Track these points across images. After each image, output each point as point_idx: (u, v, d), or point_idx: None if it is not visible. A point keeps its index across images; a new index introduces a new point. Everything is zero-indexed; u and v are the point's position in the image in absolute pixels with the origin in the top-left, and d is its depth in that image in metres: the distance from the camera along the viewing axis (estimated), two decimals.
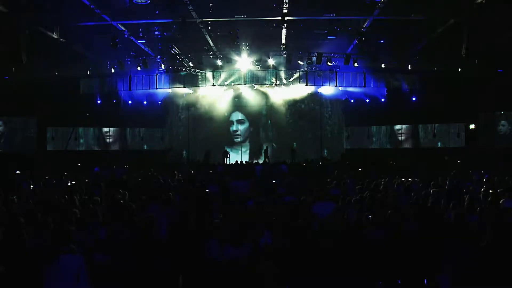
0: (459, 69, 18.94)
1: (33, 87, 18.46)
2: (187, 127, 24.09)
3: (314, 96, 23.35)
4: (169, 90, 22.03)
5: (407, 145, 22.48)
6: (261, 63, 19.91)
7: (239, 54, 19.16)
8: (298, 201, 8.07)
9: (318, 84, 21.56)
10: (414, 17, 14.22)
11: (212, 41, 17.26)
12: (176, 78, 21.51)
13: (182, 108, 24.27)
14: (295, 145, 23.03)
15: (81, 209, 6.63)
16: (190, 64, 19.80)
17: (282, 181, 13.26)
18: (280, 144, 23.89)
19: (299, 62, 19.29)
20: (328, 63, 18.71)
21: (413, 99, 21.17)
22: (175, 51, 18.49)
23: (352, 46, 17.84)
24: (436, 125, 21.67)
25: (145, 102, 22.49)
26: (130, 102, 22.19)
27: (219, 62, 19.62)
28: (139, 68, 19.27)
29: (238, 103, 24.06)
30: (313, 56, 18.39)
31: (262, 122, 24.66)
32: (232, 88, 22.43)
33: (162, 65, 19.72)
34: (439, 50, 17.81)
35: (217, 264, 4.95)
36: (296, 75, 21.19)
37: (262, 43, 17.83)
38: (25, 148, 20.32)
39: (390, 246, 5.28)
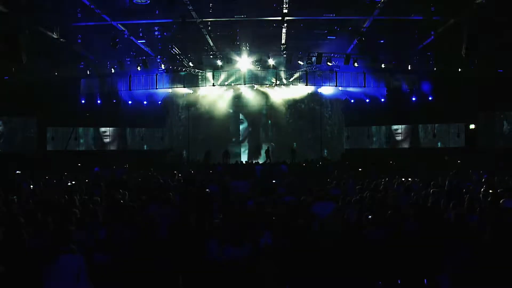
0: (459, 69, 18.95)
1: (33, 87, 18.45)
2: (187, 127, 24.08)
3: (314, 96, 23.36)
4: (169, 90, 22.03)
5: (407, 145, 22.48)
6: (261, 63, 19.92)
7: (239, 54, 19.16)
8: (298, 201, 8.07)
9: (318, 84, 21.58)
10: (414, 17, 14.22)
11: (212, 41, 17.26)
12: (176, 78, 21.53)
13: (182, 108, 24.27)
14: (295, 145, 23.05)
15: (81, 209, 6.63)
16: (190, 64, 19.80)
17: (282, 181, 13.26)
18: (280, 144, 23.89)
19: (299, 62, 19.29)
20: (328, 63, 18.70)
21: (413, 99, 21.18)
22: (175, 51, 18.49)
23: (352, 46, 17.84)
24: (436, 125, 21.66)
25: (145, 102, 22.49)
26: (130, 102, 22.20)
27: (219, 62, 19.62)
28: (139, 68, 19.26)
29: (238, 103, 24.08)
30: (313, 56, 18.38)
31: (262, 122, 24.68)
32: (232, 88, 22.43)
33: (162, 65, 19.72)
34: (439, 50, 17.81)
35: (217, 264, 4.95)
36: (296, 75, 21.21)
37: (262, 43, 17.83)
38: (25, 148, 20.32)
39: (390, 246, 5.28)
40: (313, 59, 18.47)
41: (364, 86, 20.93)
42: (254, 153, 24.23)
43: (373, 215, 6.11)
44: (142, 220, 6.04)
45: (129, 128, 23.41)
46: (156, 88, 21.39)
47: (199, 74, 21.16)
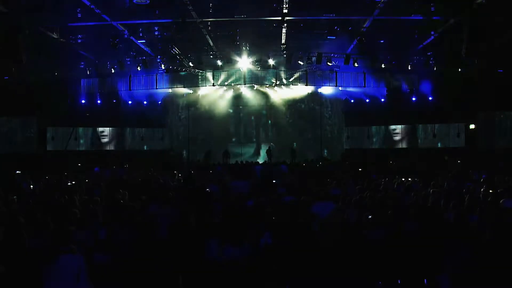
0: (459, 69, 18.95)
1: (33, 87, 18.45)
2: (187, 127, 24.09)
3: (314, 96, 23.36)
4: (169, 90, 22.04)
5: (406, 145, 22.48)
6: (261, 63, 19.91)
7: (239, 54, 19.16)
8: (298, 201, 8.06)
9: (318, 84, 21.58)
10: (414, 17, 14.22)
11: (212, 41, 17.27)
12: (176, 78, 21.54)
13: (182, 108, 24.28)
14: (295, 145, 23.05)
15: (81, 209, 6.63)
16: (190, 64, 19.80)
17: (282, 181, 13.25)
18: (280, 144, 23.90)
19: (299, 62, 19.29)
20: (328, 63, 18.71)
21: (413, 99, 21.18)
22: (175, 51, 18.50)
23: (352, 46, 17.85)
24: (436, 125, 21.67)
25: (145, 102, 22.50)
26: (130, 102, 22.21)
27: (219, 62, 19.63)
28: (139, 68, 19.28)
29: (238, 103, 24.08)
30: (313, 56, 18.39)
31: (262, 122, 24.68)
32: (232, 88, 22.44)
33: (162, 65, 19.73)
34: (439, 50, 17.81)
35: (217, 264, 4.95)
36: (296, 75, 21.22)
37: (262, 43, 17.83)
38: (25, 148, 20.32)
39: (390, 246, 5.28)
40: (313, 59, 18.47)
41: (364, 86, 20.95)
42: (254, 153, 24.25)
43: (373, 215, 6.11)
44: (142, 220, 6.04)
45: (129, 128, 23.42)
46: (156, 88, 21.40)
47: (199, 74, 21.17)
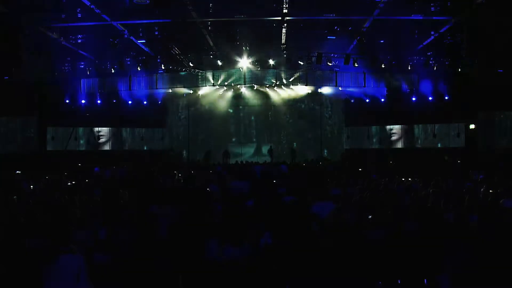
0: (459, 69, 18.95)
1: (33, 87, 18.46)
2: (187, 127, 24.10)
3: (314, 96, 23.36)
4: (169, 90, 22.04)
5: (407, 145, 22.48)
6: (261, 63, 19.91)
7: (239, 54, 19.16)
8: (298, 201, 8.06)
9: (318, 84, 21.57)
10: (414, 17, 14.23)
11: (212, 41, 17.27)
12: (176, 78, 21.53)
13: (182, 108, 24.29)
14: (295, 145, 23.05)
15: (81, 209, 6.63)
16: (190, 64, 19.81)
17: (282, 181, 13.24)
18: (280, 144, 23.91)
19: (299, 62, 19.29)
20: (328, 63, 18.71)
21: (413, 99, 21.18)
22: (175, 51, 18.50)
23: (352, 46, 17.85)
24: (436, 125, 21.67)
25: (145, 102, 22.50)
26: (130, 102, 22.21)
27: (219, 62, 19.62)
28: (139, 68, 19.28)
29: (238, 103, 24.08)
30: (313, 56, 18.39)
31: (262, 122, 24.68)
32: (232, 88, 22.45)
33: (162, 65, 19.73)
34: (439, 50, 17.82)
35: (217, 264, 4.95)
36: (296, 75, 21.21)
37: (262, 43, 17.83)
38: (25, 148, 20.32)
39: (390, 246, 5.28)
40: (313, 59, 18.47)
41: (364, 86, 20.94)
42: (254, 153, 24.25)
43: (373, 215, 6.11)
44: (142, 220, 6.04)
45: (129, 128, 23.43)
46: (156, 88, 21.39)
47: (199, 74, 21.16)
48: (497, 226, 4.95)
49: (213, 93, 22.86)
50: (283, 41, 17.17)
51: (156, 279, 4.64)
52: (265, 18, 14.70)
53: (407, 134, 22.48)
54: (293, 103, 23.84)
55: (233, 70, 20.96)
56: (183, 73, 21.03)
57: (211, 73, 21.15)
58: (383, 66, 19.25)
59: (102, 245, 5.38)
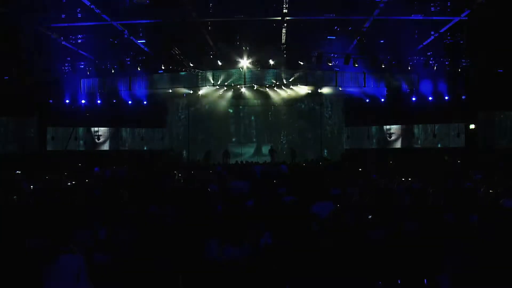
0: (459, 69, 18.96)
1: (33, 87, 18.45)
2: (187, 127, 24.10)
3: (314, 96, 23.36)
4: (169, 90, 22.04)
5: (407, 145, 22.48)
6: (261, 63, 19.90)
7: (239, 54, 19.15)
8: (298, 201, 8.06)
9: (318, 84, 21.56)
10: (414, 17, 14.23)
11: (212, 41, 17.26)
12: (176, 78, 21.52)
13: (182, 108, 24.29)
14: (295, 145, 23.08)
15: (81, 209, 6.63)
16: (190, 64, 19.80)
17: (282, 181, 13.24)
18: (280, 144, 23.92)
19: (299, 62, 19.28)
20: (328, 63, 18.70)
21: (413, 99, 21.18)
22: (175, 51, 18.49)
23: (352, 46, 17.85)
24: (436, 125, 21.68)
25: (145, 102, 22.51)
26: (130, 102, 22.21)
27: (219, 62, 19.62)
28: (139, 68, 19.27)
29: (238, 103, 24.08)
30: (313, 56, 18.38)
31: (262, 122, 24.68)
32: (232, 88, 22.44)
33: (162, 65, 19.72)
34: (440, 50, 17.81)
35: (217, 264, 4.95)
36: (296, 75, 21.19)
37: (262, 43, 17.82)
38: (25, 148, 20.32)
39: (390, 246, 5.28)
40: (313, 59, 18.47)
41: (364, 86, 20.93)
42: (254, 153, 24.26)
43: (373, 215, 6.12)
44: (142, 220, 6.04)
45: (129, 128, 23.43)
46: (156, 88, 21.38)
47: (199, 74, 21.15)
48: (497, 226, 4.95)
49: (213, 93, 22.85)
50: (283, 41, 17.16)
51: (156, 279, 4.64)
52: (265, 18, 14.69)
53: (407, 134, 22.49)
54: (293, 103, 23.85)
55: (233, 70, 20.94)
56: (183, 73, 21.01)
57: (211, 73, 21.12)
58: (383, 66, 19.25)
59: (102, 245, 5.38)
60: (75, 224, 5.69)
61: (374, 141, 23.24)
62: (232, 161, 21.90)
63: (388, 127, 22.70)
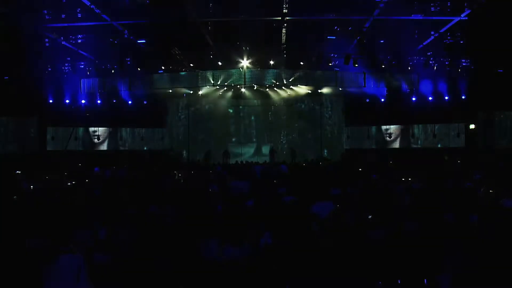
0: (459, 69, 18.96)
1: (33, 87, 18.46)
2: (187, 127, 24.11)
3: (314, 96, 23.36)
4: (169, 90, 22.05)
5: (407, 145, 22.49)
6: (261, 63, 19.90)
7: (239, 54, 19.14)
8: (298, 201, 8.06)
9: (318, 84, 21.56)
10: (414, 17, 14.23)
11: (212, 41, 17.26)
12: (176, 78, 21.52)
13: (182, 108, 24.29)
14: (295, 145, 23.07)
15: (81, 209, 6.63)
16: (190, 64, 19.78)
17: (282, 181, 13.24)
18: (280, 144, 23.92)
19: (299, 62, 19.27)
20: (328, 63, 18.70)
21: (413, 99, 21.19)
22: (175, 51, 18.50)
23: (352, 46, 17.85)
24: (436, 125, 21.68)
25: (145, 102, 22.50)
26: (130, 102, 22.21)
27: (219, 62, 19.62)
28: (139, 69, 19.27)
29: (238, 103, 24.08)
30: (313, 56, 18.38)
31: (262, 122, 24.69)
32: (232, 88, 22.44)
33: (162, 65, 19.72)
34: (440, 50, 17.82)
35: (217, 264, 4.95)
36: (296, 75, 21.19)
37: (262, 43, 17.82)
38: (25, 148, 20.33)
39: (390, 246, 5.28)
40: (313, 59, 18.46)
41: (364, 86, 20.94)
42: (254, 153, 24.26)
43: (373, 215, 6.11)
44: (142, 220, 6.04)
45: (129, 128, 23.43)
46: (156, 88, 21.40)
47: (199, 74, 21.15)
48: (497, 226, 4.95)
49: (213, 93, 22.85)
50: (283, 41, 17.15)
51: (156, 279, 4.64)
52: (265, 18, 14.68)
53: (405, 134, 22.49)
54: (293, 103, 23.86)
55: (233, 70, 20.93)
56: (183, 73, 21.02)
57: (211, 73, 21.11)
58: (383, 66, 19.25)
59: (102, 245, 5.38)
60: (75, 224, 5.68)
61: (374, 141, 23.24)
62: (232, 161, 21.91)
63: (386, 127, 22.70)
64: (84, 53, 18.54)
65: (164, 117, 24.00)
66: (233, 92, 23.10)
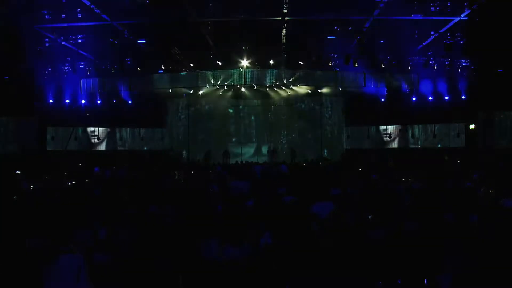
0: (459, 69, 18.96)
1: (33, 87, 18.46)
2: (187, 127, 24.10)
3: (314, 96, 23.36)
4: (169, 90, 22.05)
5: (406, 145, 22.48)
6: (261, 63, 19.89)
7: (239, 54, 19.14)
8: (298, 201, 8.05)
9: (318, 84, 21.56)
10: (414, 17, 14.23)
11: (212, 41, 17.26)
12: (176, 78, 21.52)
13: (182, 108, 24.29)
14: (295, 145, 23.08)
15: (81, 209, 6.63)
16: (190, 64, 19.78)
17: (282, 181, 13.23)
18: (280, 144, 23.92)
19: (299, 62, 19.26)
20: (328, 63, 18.70)
21: (413, 99, 21.19)
22: (175, 51, 18.50)
23: (352, 46, 17.85)
24: (436, 125, 21.68)
25: (145, 102, 22.49)
26: (130, 102, 22.21)
27: (219, 62, 19.62)
28: (139, 69, 19.27)
29: (238, 103, 24.08)
30: (313, 56, 18.38)
31: (262, 122, 24.68)
32: (232, 88, 22.43)
33: (162, 65, 19.72)
34: (440, 50, 17.82)
35: (217, 264, 4.95)
36: (296, 75, 21.18)
37: (262, 43, 17.82)
38: (25, 148, 20.32)
39: (390, 246, 5.28)
40: (313, 59, 18.46)
41: (364, 86, 20.94)
42: (254, 153, 24.26)
43: (373, 215, 6.11)
44: (142, 220, 6.04)
45: (129, 128, 23.43)
46: (156, 88, 21.40)
47: (199, 74, 21.14)
48: (497, 226, 4.95)
49: (213, 93, 22.84)
50: (283, 41, 17.16)
51: (156, 279, 4.64)
52: (265, 18, 14.68)
53: (403, 134, 22.50)
54: (293, 103, 23.85)
55: (233, 70, 20.92)
56: (183, 73, 21.01)
57: (211, 73, 21.10)
58: (383, 66, 19.25)
59: (102, 245, 5.38)
60: (75, 224, 5.68)
61: (374, 141, 23.24)
62: (232, 161, 21.90)
63: (384, 127, 22.71)
64: (84, 53, 18.54)
65: (164, 117, 23.99)
66: (233, 92, 23.06)
